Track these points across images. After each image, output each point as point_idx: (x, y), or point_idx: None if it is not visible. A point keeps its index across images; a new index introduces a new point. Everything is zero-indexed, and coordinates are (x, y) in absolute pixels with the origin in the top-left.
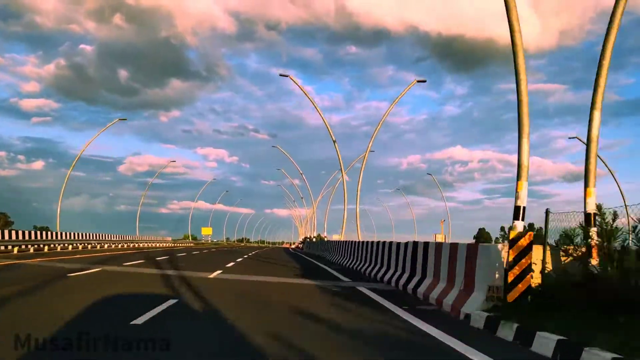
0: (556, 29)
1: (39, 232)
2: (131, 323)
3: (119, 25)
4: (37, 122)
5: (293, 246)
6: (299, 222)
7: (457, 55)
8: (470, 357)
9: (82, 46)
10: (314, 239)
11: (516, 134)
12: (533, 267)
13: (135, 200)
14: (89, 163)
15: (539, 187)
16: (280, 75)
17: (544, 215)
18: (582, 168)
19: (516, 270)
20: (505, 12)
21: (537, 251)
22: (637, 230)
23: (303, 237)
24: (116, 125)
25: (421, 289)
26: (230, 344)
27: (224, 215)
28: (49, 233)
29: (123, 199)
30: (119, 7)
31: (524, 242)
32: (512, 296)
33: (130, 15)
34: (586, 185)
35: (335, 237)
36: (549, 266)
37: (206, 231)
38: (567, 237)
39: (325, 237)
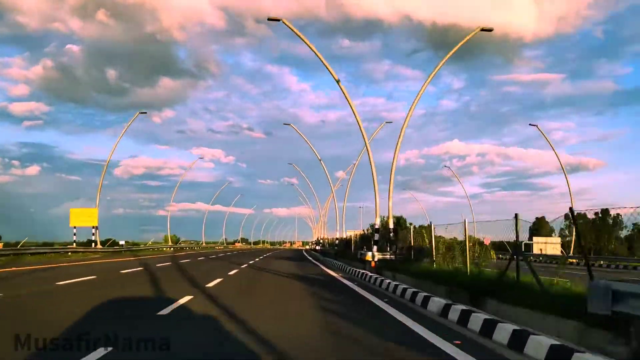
0: (554, 16)
1: None
2: None
3: (104, 21)
4: (29, 125)
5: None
6: (312, 220)
7: (452, 46)
8: None
9: (68, 46)
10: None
11: (515, 126)
12: None
13: (132, 203)
14: (85, 167)
15: (538, 180)
16: (269, 19)
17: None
18: (580, 159)
19: None
20: None
21: None
22: None
23: (376, 223)
24: (112, 127)
25: None
26: None
27: (223, 217)
28: None
29: (120, 202)
30: (102, 2)
31: None
32: None
33: (114, 10)
34: None
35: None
36: None
37: (80, 218)
38: None
39: None
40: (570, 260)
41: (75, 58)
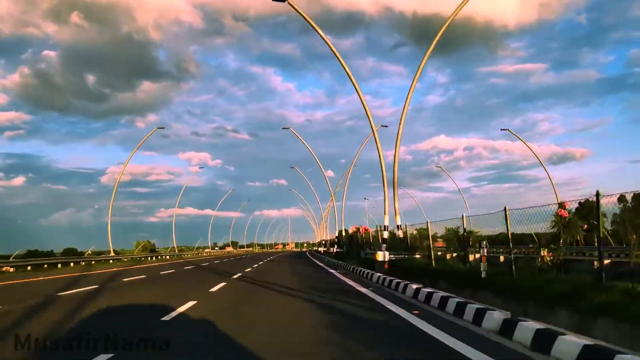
0: (536, 1)
1: None
2: None
3: (78, 24)
4: (10, 136)
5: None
6: (313, 220)
7: (434, 38)
8: None
9: (45, 52)
10: None
11: (502, 119)
12: None
13: (121, 210)
14: (71, 176)
15: (526, 172)
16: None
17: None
18: (567, 149)
19: None
20: None
21: None
22: None
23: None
24: (97, 136)
25: None
26: None
27: (213, 221)
28: None
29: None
30: (75, 4)
31: None
32: None
33: (87, 12)
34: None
35: None
36: None
37: None
38: None
39: None
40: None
41: (53, 64)
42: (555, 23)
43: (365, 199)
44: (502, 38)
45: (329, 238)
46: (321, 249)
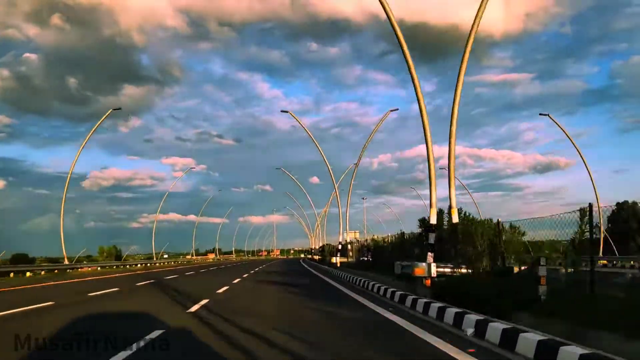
0: (522, 12)
1: None
2: None
3: (59, 26)
4: None
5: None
6: (307, 227)
7: (422, 47)
8: None
9: (26, 55)
10: None
11: (487, 128)
12: None
13: (103, 215)
14: (54, 180)
15: (510, 181)
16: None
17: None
18: (551, 158)
19: None
20: None
21: None
22: None
23: None
24: (81, 139)
25: None
26: None
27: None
28: None
29: (91, 216)
30: (56, 7)
31: None
32: None
33: (69, 14)
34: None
35: None
36: None
37: None
38: None
39: None
40: None
41: (34, 67)
42: (541, 34)
43: (363, 198)
44: (488, 48)
45: (347, 240)
46: (337, 260)
